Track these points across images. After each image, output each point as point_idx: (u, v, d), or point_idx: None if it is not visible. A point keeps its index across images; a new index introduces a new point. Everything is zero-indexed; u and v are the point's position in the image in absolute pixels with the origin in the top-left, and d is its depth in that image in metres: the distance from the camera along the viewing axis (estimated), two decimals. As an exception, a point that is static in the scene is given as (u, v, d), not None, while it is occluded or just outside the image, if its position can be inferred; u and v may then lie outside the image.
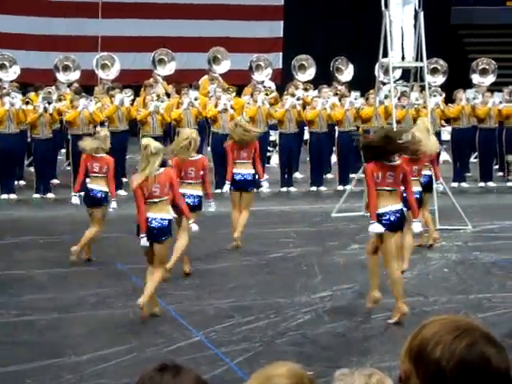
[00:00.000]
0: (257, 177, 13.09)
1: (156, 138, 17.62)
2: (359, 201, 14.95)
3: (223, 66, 21.58)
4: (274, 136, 19.68)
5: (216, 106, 18.06)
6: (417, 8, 14.37)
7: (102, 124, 16.94)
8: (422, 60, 14.53)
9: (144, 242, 9.11)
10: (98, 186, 11.56)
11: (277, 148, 19.56)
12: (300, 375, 2.04)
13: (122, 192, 15.63)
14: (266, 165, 18.70)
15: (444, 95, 19.75)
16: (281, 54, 26.47)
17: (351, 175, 17.59)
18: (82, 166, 11.73)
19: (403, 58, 14.66)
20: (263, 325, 9.12)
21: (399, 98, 17.97)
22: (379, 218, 8.97)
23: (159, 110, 17.63)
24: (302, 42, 24.89)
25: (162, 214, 9.20)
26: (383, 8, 14.37)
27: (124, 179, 16.92)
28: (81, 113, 17.10)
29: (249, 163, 12.55)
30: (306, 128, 19.46)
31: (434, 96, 18.64)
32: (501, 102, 19.16)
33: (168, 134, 19.32)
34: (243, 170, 12.44)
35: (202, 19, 26.28)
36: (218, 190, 17.59)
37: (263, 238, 13.08)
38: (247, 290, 10.47)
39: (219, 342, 8.56)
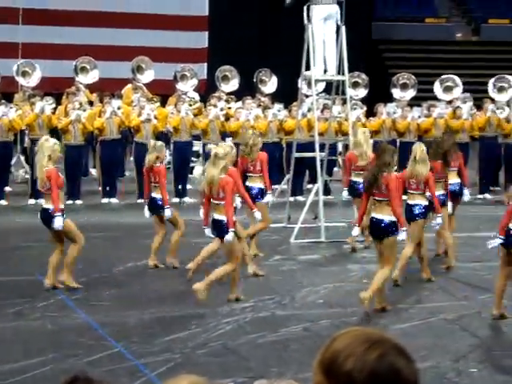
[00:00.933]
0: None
1: (77, 147, 17.70)
2: (281, 212, 15.05)
3: (147, 76, 21.48)
4: (197, 146, 19.65)
5: (139, 115, 17.97)
6: (339, 22, 14.51)
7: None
8: (343, 74, 14.70)
9: (208, 232, 10.36)
10: (158, 195, 11.95)
11: (200, 158, 19.54)
12: None
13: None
14: (190, 175, 18.68)
15: (365, 108, 20.02)
16: (205, 64, 26.49)
17: (274, 186, 17.64)
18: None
19: (325, 72, 14.81)
20: (184, 336, 9.08)
21: (322, 111, 18.14)
22: None
23: (81, 119, 17.45)
24: (226, 52, 24.94)
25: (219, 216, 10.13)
26: (306, 22, 14.50)
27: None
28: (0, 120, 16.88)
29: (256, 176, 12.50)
30: (229, 139, 19.49)
31: (355, 109, 18.88)
32: (419, 117, 19.53)
33: (90, 142, 19.14)
34: (251, 183, 12.45)
35: (127, 28, 26.13)
36: (140, 200, 17.58)
37: (185, 249, 13.03)
38: (168, 301, 10.41)
39: (139, 353, 8.48)
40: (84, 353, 8.39)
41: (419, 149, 11.28)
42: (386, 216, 9.89)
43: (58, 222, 10.55)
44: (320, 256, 13.03)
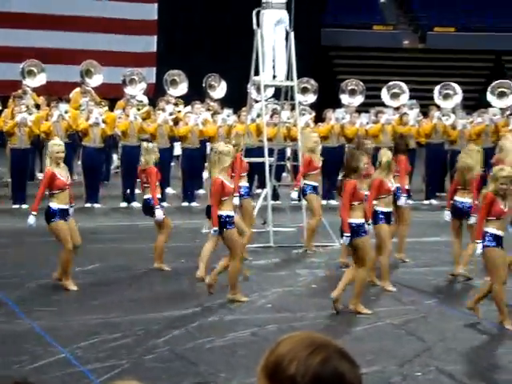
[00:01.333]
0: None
1: (24, 151, 17.51)
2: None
3: (96, 80, 21.30)
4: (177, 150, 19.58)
5: (87, 119, 17.86)
6: (288, 28, 14.57)
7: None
8: (292, 79, 14.75)
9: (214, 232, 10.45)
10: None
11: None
12: None
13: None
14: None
15: (314, 114, 20.12)
16: (154, 68, 26.41)
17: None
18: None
19: (275, 77, 14.86)
20: (131, 341, 9.01)
21: (271, 116, 18.19)
22: None
23: (27, 122, 17.27)
24: (175, 56, 24.89)
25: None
26: (255, 27, 14.52)
27: None
28: None
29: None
30: (177, 143, 19.48)
31: (304, 115, 18.98)
32: (367, 123, 19.69)
33: (36, 146, 18.95)
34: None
35: (76, 31, 25.94)
36: (88, 204, 17.46)
37: (131, 253, 12.98)
38: (114, 306, 10.31)
39: (85, 359, 8.38)
40: (29, 359, 8.26)
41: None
42: (351, 219, 10.00)
43: (31, 220, 11.12)
44: (269, 261, 13.04)
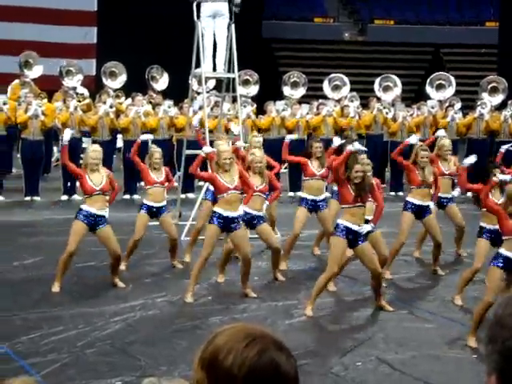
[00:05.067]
0: None
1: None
2: (172, 209, 14.97)
3: (35, 71, 21.04)
4: (86, 143, 19.39)
5: (26, 111, 17.63)
6: (229, 20, 14.57)
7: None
8: (233, 71, 14.75)
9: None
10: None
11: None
12: None
13: None
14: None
15: (255, 106, 20.17)
16: (94, 60, 26.18)
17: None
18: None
19: (215, 69, 14.84)
20: (72, 335, 8.94)
21: (212, 109, 18.17)
22: None
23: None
24: (116, 48, 24.68)
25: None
26: (195, 19, 14.48)
27: None
28: None
29: None
30: (119, 136, 19.35)
31: (245, 107, 19.00)
32: (308, 114, 19.80)
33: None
34: None
35: (14, 22, 25.57)
36: (28, 198, 17.27)
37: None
38: (55, 300, 10.23)
39: (26, 354, 8.30)
40: (-32, 355, 8.18)
41: None
42: None
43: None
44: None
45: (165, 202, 11.78)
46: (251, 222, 10.97)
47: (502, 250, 8.72)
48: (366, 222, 9.88)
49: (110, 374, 7.79)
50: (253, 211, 10.95)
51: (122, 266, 11.46)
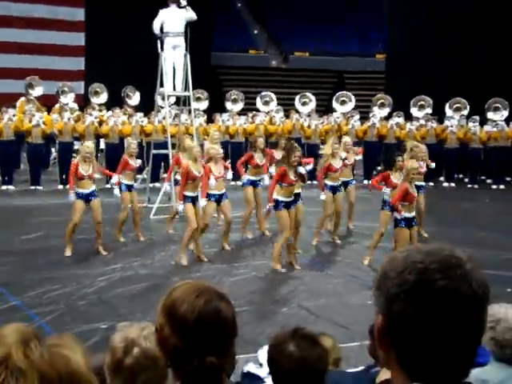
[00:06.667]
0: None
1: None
2: (143, 195, 14.84)
3: (37, 91, 20.66)
4: (77, 145, 19.10)
5: (30, 121, 17.30)
6: (185, 51, 14.46)
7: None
8: (189, 90, 14.65)
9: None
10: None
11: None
12: (26, 331, 1.95)
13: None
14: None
15: (205, 117, 20.06)
16: (83, 82, 25.78)
17: (137, 176, 17.41)
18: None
19: (175, 89, 14.73)
20: (67, 291, 8.83)
21: (173, 118, 18.01)
22: None
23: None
24: (100, 73, 24.27)
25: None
26: (159, 50, 14.37)
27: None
28: None
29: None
30: (101, 140, 19.12)
31: (198, 117, 18.88)
32: (245, 123, 19.81)
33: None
34: None
35: (21, 54, 25.19)
36: (33, 187, 16.96)
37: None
38: (56, 265, 10.09)
39: (31, 305, 8.19)
40: (-14, 307, 8.01)
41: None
42: (277, 196, 9.93)
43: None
44: (173, 228, 12.91)
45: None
46: (219, 199, 11.04)
47: (403, 214, 9.14)
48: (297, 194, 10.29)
49: (96, 320, 7.71)
50: (219, 192, 10.92)
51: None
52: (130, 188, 11.84)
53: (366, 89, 30.57)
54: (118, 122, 18.16)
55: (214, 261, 10.55)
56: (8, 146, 17.38)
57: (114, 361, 2.41)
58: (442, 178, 20.12)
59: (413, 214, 9.51)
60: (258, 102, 21.44)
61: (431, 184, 18.32)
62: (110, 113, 19.42)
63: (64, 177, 17.23)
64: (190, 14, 14.18)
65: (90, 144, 11.24)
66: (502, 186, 19.57)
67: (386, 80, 26.96)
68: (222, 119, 19.62)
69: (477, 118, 20.47)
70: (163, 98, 15.11)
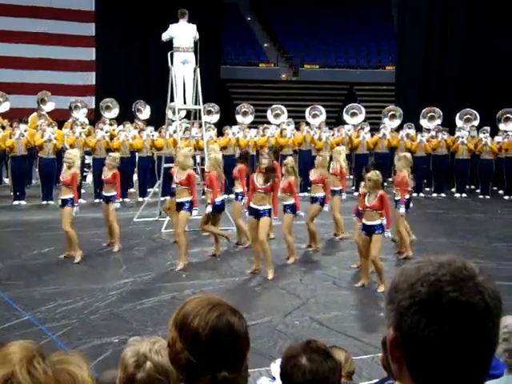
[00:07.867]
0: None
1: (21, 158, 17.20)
2: (154, 209, 14.91)
3: (49, 106, 20.82)
4: (88, 160, 19.22)
5: (42, 136, 17.39)
6: (195, 66, 14.53)
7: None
8: (199, 104, 14.71)
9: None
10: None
11: (91, 169, 19.10)
12: (30, 347, 1.94)
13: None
14: (83, 182, 18.24)
15: (216, 130, 20.10)
16: (94, 97, 25.93)
17: (149, 189, 17.51)
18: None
19: (185, 102, 14.78)
20: (79, 305, 8.84)
21: (184, 132, 18.07)
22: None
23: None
24: (111, 88, 24.44)
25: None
26: (170, 65, 14.44)
27: None
28: None
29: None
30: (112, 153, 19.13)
31: (209, 131, 18.93)
32: (256, 136, 19.84)
33: (2, 158, 18.44)
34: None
35: (33, 69, 25.41)
36: (44, 202, 17.02)
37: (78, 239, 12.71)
38: (67, 279, 10.11)
39: (43, 320, 8.20)
40: (-1, 322, 8.03)
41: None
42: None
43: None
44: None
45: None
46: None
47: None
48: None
49: (108, 334, 7.71)
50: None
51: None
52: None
53: (377, 101, 30.57)
54: (128, 136, 18.22)
55: (225, 274, 10.55)
56: (20, 161, 17.50)
57: (126, 375, 2.42)
58: (453, 189, 20.06)
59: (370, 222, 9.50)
60: (269, 115, 21.48)
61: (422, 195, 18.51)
62: (121, 127, 19.51)
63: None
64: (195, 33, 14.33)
65: (72, 151, 11.60)
66: (514, 197, 19.47)
67: (396, 91, 26.94)
68: (232, 132, 19.65)
69: (487, 128, 20.41)
70: (174, 112, 15.16)
